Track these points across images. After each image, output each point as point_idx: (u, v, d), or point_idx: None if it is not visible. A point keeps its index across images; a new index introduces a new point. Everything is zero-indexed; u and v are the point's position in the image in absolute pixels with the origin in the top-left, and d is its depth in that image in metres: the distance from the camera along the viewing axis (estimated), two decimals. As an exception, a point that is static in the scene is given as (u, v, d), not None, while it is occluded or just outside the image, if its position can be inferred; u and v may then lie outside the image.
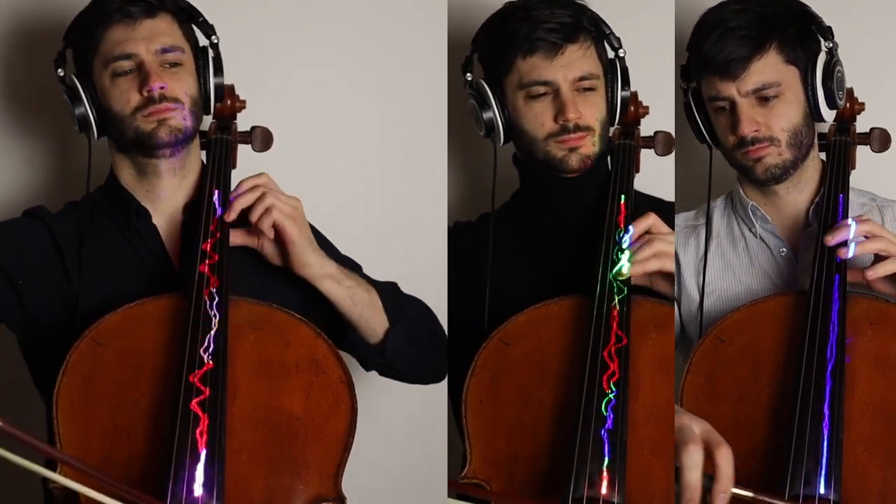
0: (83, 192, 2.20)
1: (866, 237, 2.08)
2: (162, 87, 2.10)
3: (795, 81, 2.20)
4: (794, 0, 2.22)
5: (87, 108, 2.14)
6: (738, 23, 2.18)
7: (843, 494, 1.94)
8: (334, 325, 2.14)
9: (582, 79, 2.20)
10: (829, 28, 2.22)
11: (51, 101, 2.42)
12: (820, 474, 1.94)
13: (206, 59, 2.19)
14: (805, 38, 2.21)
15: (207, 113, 2.20)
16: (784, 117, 2.19)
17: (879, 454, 1.99)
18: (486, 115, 2.24)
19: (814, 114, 2.21)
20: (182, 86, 2.14)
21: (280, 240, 2.13)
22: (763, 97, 2.18)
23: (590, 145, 2.22)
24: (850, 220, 2.10)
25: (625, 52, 2.24)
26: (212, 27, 2.20)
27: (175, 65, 2.14)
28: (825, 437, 1.95)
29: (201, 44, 2.21)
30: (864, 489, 1.97)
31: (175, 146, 2.14)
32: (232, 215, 2.12)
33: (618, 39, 2.24)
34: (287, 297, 2.12)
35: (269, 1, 2.52)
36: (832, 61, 2.20)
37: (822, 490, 1.93)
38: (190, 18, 2.20)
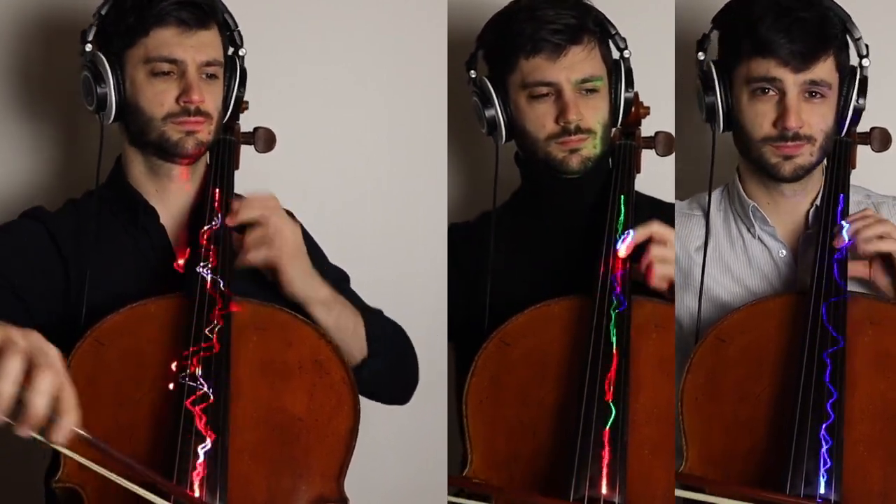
0: (90, 180, 2.17)
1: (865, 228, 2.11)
2: (202, 101, 2.09)
3: (836, 88, 2.18)
4: (843, 11, 2.20)
5: (110, 88, 2.11)
6: (808, 16, 2.14)
7: (843, 494, 1.94)
8: None
9: (584, 81, 2.20)
10: (867, 45, 2.20)
11: (59, 91, 2.43)
12: (820, 474, 1.94)
13: (233, 71, 2.18)
14: (847, 50, 2.19)
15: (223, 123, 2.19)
16: (824, 119, 2.17)
17: (880, 454, 1.99)
18: (489, 112, 2.24)
19: (838, 124, 2.20)
20: (214, 100, 2.13)
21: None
22: (812, 93, 2.15)
23: (591, 147, 2.22)
24: (843, 223, 2.12)
25: (630, 53, 2.24)
26: (242, 38, 2.19)
27: (212, 77, 2.13)
28: (826, 436, 1.95)
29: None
30: (864, 489, 1.97)
31: (195, 157, 2.14)
32: (234, 221, 2.12)
33: (623, 40, 2.24)
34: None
35: (274, 2, 2.52)
36: (866, 80, 2.19)
37: (822, 490, 1.94)
38: (227, 29, 2.18)
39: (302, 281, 2.12)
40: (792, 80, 2.14)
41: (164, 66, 2.09)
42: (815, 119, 2.16)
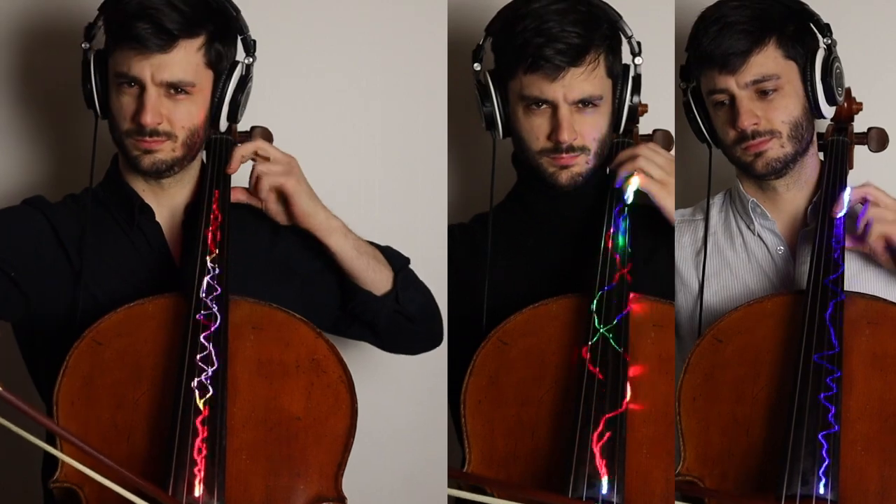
0: (87, 177, 2.18)
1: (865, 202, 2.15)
2: (158, 123, 2.08)
3: (794, 76, 2.20)
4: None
5: (93, 86, 2.12)
6: (737, 18, 2.18)
7: (840, 494, 1.94)
8: (342, 287, 2.20)
9: (582, 101, 2.17)
10: (828, 25, 2.22)
11: (56, 88, 2.43)
12: (817, 474, 1.94)
13: (230, 76, 2.15)
14: (803, 35, 2.21)
15: (214, 126, 2.18)
16: (784, 110, 2.19)
17: (877, 453, 1.99)
18: (487, 108, 2.23)
19: (813, 110, 2.21)
20: (182, 118, 2.10)
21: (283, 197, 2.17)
22: (762, 90, 2.18)
23: (583, 164, 2.20)
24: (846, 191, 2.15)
25: (642, 60, 2.22)
26: (254, 43, 2.18)
27: (183, 92, 2.10)
28: (822, 436, 1.95)
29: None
30: (861, 489, 1.97)
31: (159, 175, 2.13)
32: (234, 166, 2.15)
33: (638, 44, 2.22)
34: (283, 288, 2.16)
35: (271, 1, 2.52)
36: (831, 58, 2.20)
37: (819, 490, 1.93)
38: (230, 32, 2.15)
39: (310, 203, 2.17)
40: (734, 83, 2.18)
41: (126, 81, 2.08)
42: (775, 113, 2.19)
